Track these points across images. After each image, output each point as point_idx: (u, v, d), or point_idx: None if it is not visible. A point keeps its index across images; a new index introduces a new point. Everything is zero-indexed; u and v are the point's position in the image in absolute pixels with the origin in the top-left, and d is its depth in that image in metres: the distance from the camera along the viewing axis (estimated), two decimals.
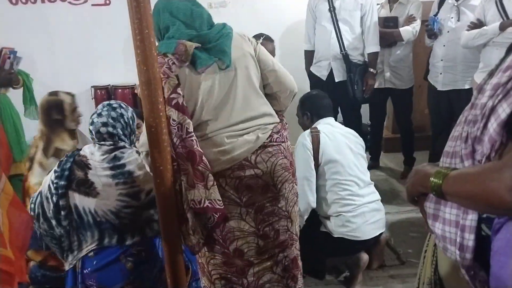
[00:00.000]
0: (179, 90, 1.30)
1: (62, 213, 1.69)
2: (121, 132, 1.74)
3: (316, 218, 2.25)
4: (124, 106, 1.79)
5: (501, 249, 0.72)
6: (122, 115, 1.75)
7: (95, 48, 3.90)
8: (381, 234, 2.25)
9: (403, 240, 2.64)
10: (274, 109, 1.53)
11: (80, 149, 1.77)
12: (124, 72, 3.85)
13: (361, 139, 2.34)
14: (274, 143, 1.44)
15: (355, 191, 2.14)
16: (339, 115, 3.80)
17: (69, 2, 3.80)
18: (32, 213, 1.73)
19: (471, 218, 0.79)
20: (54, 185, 1.68)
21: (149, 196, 1.69)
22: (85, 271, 1.75)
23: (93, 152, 1.71)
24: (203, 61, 1.35)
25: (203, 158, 1.31)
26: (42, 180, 1.99)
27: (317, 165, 2.15)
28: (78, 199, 1.69)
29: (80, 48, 3.88)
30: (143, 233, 1.73)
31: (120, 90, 3.91)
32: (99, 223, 1.69)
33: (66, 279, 1.86)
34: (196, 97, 1.38)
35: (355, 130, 2.38)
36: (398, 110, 3.71)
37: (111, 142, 1.71)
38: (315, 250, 2.25)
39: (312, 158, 2.13)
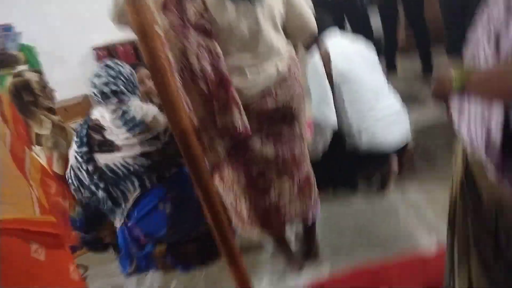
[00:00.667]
0: (205, 15, 1.29)
1: (95, 176, 1.77)
2: (123, 88, 1.78)
3: (340, 138, 2.23)
4: (120, 64, 1.82)
5: None
6: (120, 72, 1.78)
7: (90, 8, 3.78)
8: (407, 139, 2.22)
9: (431, 143, 2.62)
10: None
11: (91, 113, 1.83)
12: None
13: (371, 46, 2.23)
14: (292, 76, 1.46)
15: (375, 104, 2.09)
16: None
17: None
18: (73, 187, 1.85)
19: (496, 118, 0.76)
20: (79, 154, 1.77)
21: (166, 134, 1.79)
22: (129, 224, 1.84)
23: (102, 114, 1.78)
24: None
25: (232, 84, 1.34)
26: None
27: (332, 85, 2.09)
28: (105, 158, 1.76)
29: (76, 10, 3.78)
30: (177, 163, 1.82)
31: (121, 47, 3.84)
32: (134, 171, 1.78)
33: (116, 236, 1.98)
34: (221, 26, 1.34)
35: (364, 36, 2.27)
36: (408, 8, 3.48)
37: (116, 99, 1.77)
38: (344, 166, 2.26)
39: (326, 81, 2.06)
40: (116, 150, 1.75)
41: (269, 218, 1.62)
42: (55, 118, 2.20)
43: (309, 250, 1.91)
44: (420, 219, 2.00)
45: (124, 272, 2.06)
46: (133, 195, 1.81)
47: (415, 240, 1.87)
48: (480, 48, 0.79)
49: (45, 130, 2.13)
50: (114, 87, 1.75)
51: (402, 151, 2.26)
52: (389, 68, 3.75)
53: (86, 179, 1.79)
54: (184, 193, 1.85)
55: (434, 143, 2.57)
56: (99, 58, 3.85)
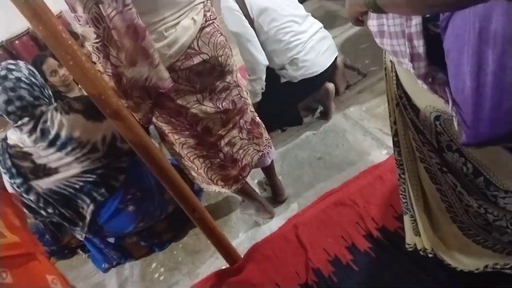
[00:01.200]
0: None
1: (41, 204, 1.64)
2: (31, 98, 1.52)
3: (273, 74, 2.24)
4: (13, 67, 1.52)
5: (451, 46, 0.68)
6: (18, 79, 1.50)
7: None
8: (336, 58, 2.27)
9: (357, 55, 2.70)
10: None
11: (5, 138, 1.59)
12: (10, 19, 3.37)
13: None
14: (210, 22, 1.37)
15: (296, 30, 2.09)
16: None
17: None
18: (26, 211, 1.68)
19: (415, 23, 0.74)
20: (15, 185, 1.58)
21: (105, 143, 1.63)
22: (93, 230, 1.78)
23: (20, 138, 1.54)
24: None
25: (147, 34, 1.20)
26: None
27: (251, 22, 2.05)
28: (46, 183, 1.61)
29: None
30: (123, 170, 1.72)
31: (17, 42, 3.48)
32: (81, 188, 1.66)
33: (84, 245, 1.92)
34: None
35: None
36: None
37: (27, 118, 1.53)
38: (284, 102, 2.30)
39: (244, 17, 2.02)
40: (54, 173, 1.59)
41: (227, 170, 1.63)
42: None
43: (274, 193, 1.96)
44: (366, 134, 2.10)
45: (101, 269, 2.02)
46: (88, 211, 1.71)
47: (366, 155, 1.98)
48: None
49: None
50: (19, 103, 1.49)
51: (333, 70, 2.30)
52: None
53: (34, 205, 1.64)
54: (143, 184, 1.79)
55: (360, 56, 2.65)
56: None
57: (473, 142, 0.70)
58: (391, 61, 0.94)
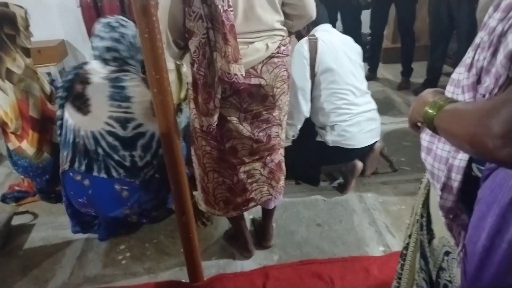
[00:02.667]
0: None
1: (58, 122, 1.74)
2: (126, 54, 1.69)
3: (312, 128, 2.27)
4: (123, 23, 1.70)
5: (484, 198, 0.66)
6: (123, 35, 1.68)
7: None
8: (375, 142, 2.29)
9: (396, 149, 2.71)
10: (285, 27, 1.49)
11: (87, 63, 1.74)
12: None
13: (359, 46, 2.27)
14: (281, 55, 1.44)
15: (351, 100, 2.14)
16: (338, 24, 3.68)
17: None
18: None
19: (461, 157, 0.72)
20: (59, 94, 1.71)
21: (136, 130, 1.68)
22: (79, 200, 1.78)
23: (97, 69, 1.68)
24: None
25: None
26: (6, 103, 1.98)
27: (313, 75, 2.11)
28: (70, 112, 1.70)
29: None
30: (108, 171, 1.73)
31: None
32: (75, 144, 1.70)
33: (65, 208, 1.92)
34: None
35: (353, 38, 2.30)
36: (401, 17, 3.57)
37: (116, 64, 1.69)
38: (310, 158, 2.32)
39: (309, 67, 2.09)
40: (82, 113, 1.67)
41: (233, 195, 1.64)
42: (28, 60, 2.11)
43: (262, 236, 1.94)
44: (372, 224, 2.07)
45: (73, 230, 2.01)
46: (63, 166, 1.76)
47: (363, 243, 1.95)
48: (461, 77, 0.73)
49: (17, 68, 2.03)
50: (116, 54, 1.67)
51: (368, 152, 2.32)
52: (370, 75, 3.84)
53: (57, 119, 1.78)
54: (142, 182, 1.77)
55: (399, 151, 2.65)
56: (82, 4, 3.68)
57: None
58: (428, 178, 0.92)
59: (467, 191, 0.72)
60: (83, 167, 1.71)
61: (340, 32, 2.32)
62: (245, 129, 1.48)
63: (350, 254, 1.86)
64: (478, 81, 0.67)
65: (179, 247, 1.67)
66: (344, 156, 2.26)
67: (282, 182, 1.76)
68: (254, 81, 1.41)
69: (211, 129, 1.43)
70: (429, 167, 0.81)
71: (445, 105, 0.66)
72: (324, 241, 1.97)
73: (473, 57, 0.68)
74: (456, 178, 0.73)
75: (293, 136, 2.21)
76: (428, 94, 0.74)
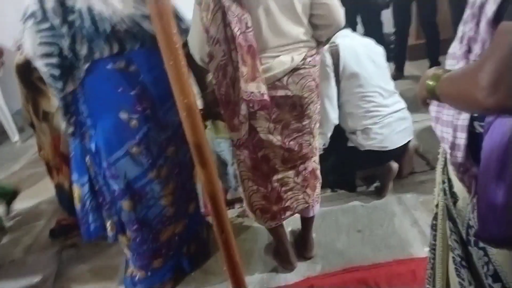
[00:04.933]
0: None
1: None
2: None
3: (342, 135, 2.26)
4: None
5: (488, 149, 0.72)
6: None
7: None
8: (409, 142, 2.25)
9: (432, 146, 2.63)
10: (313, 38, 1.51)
11: None
12: None
13: (381, 47, 2.26)
14: (306, 66, 1.46)
15: (379, 102, 2.12)
16: (359, 28, 3.66)
17: None
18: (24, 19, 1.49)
19: (463, 118, 0.80)
20: None
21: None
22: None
23: None
24: None
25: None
26: (46, 143, 2.05)
27: (338, 81, 2.12)
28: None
29: None
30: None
31: None
32: (116, 31, 1.51)
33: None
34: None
35: (376, 40, 2.29)
36: (423, 12, 3.51)
37: None
38: (344, 164, 2.30)
39: (333, 74, 2.09)
40: None
41: (269, 203, 1.66)
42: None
43: (303, 247, 1.94)
44: (414, 225, 2.02)
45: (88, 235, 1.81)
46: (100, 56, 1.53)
47: (407, 245, 1.90)
48: (455, 49, 0.82)
49: (52, 107, 2.13)
50: None
51: (402, 152, 2.28)
52: (397, 74, 3.78)
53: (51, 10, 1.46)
54: (155, 111, 1.66)
55: (434, 147, 2.58)
56: None
57: (481, 236, 0.75)
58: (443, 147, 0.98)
59: (476, 149, 0.78)
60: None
61: (362, 35, 2.32)
62: (275, 138, 1.52)
63: (395, 258, 1.83)
64: (469, 50, 0.77)
65: (222, 265, 1.69)
66: (378, 159, 2.23)
67: (318, 190, 1.77)
68: (280, 92, 1.45)
69: (241, 142, 1.49)
70: (439, 133, 0.89)
71: (443, 75, 0.76)
72: (366, 247, 1.94)
73: (463, 30, 0.78)
74: (462, 136, 0.80)
75: (324, 144, 2.21)
76: (429, 70, 0.84)
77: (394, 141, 2.15)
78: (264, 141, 1.52)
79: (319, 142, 2.17)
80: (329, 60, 2.07)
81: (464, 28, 0.78)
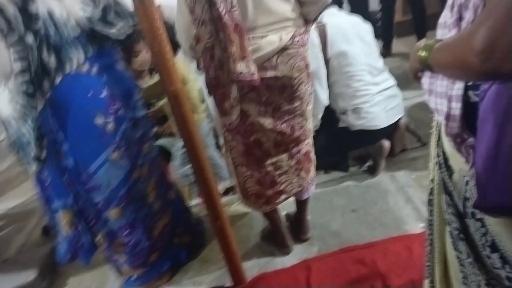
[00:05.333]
0: None
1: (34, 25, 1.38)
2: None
3: (333, 115, 2.24)
4: None
5: (485, 117, 0.71)
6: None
7: None
8: (399, 119, 2.24)
9: (423, 123, 2.63)
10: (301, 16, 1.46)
11: None
12: None
13: (368, 24, 2.23)
14: (295, 46, 1.43)
15: (369, 80, 2.10)
16: (345, 6, 3.63)
17: None
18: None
19: (457, 87, 0.78)
20: None
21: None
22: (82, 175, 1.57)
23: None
24: None
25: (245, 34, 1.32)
26: None
27: (326, 61, 2.09)
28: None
29: None
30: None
31: None
32: (78, 36, 1.45)
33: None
34: None
35: (362, 17, 2.25)
36: None
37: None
38: (336, 145, 2.29)
39: (321, 54, 2.06)
40: None
41: (263, 188, 1.64)
42: None
43: (299, 229, 1.94)
44: (408, 202, 2.03)
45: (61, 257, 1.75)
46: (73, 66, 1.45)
47: (402, 222, 1.91)
48: (446, 18, 0.81)
49: None
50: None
51: (393, 130, 2.27)
52: (385, 51, 3.76)
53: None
54: (129, 108, 1.64)
55: (425, 124, 2.58)
56: None
57: (480, 205, 0.74)
58: (437, 120, 0.98)
59: (472, 119, 0.77)
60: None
61: (348, 13, 2.28)
62: (266, 121, 1.49)
63: (390, 235, 1.83)
64: (460, 18, 0.76)
65: (218, 253, 1.68)
66: (370, 138, 2.23)
67: (312, 173, 1.75)
68: (269, 74, 1.41)
69: (232, 126, 1.46)
70: (433, 105, 0.87)
71: (435, 44, 0.74)
72: (361, 226, 1.95)
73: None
74: (457, 106, 0.79)
75: (315, 126, 2.19)
76: (420, 42, 0.83)
77: (384, 119, 2.14)
78: (255, 125, 1.49)
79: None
80: (316, 40, 2.04)
81: None
